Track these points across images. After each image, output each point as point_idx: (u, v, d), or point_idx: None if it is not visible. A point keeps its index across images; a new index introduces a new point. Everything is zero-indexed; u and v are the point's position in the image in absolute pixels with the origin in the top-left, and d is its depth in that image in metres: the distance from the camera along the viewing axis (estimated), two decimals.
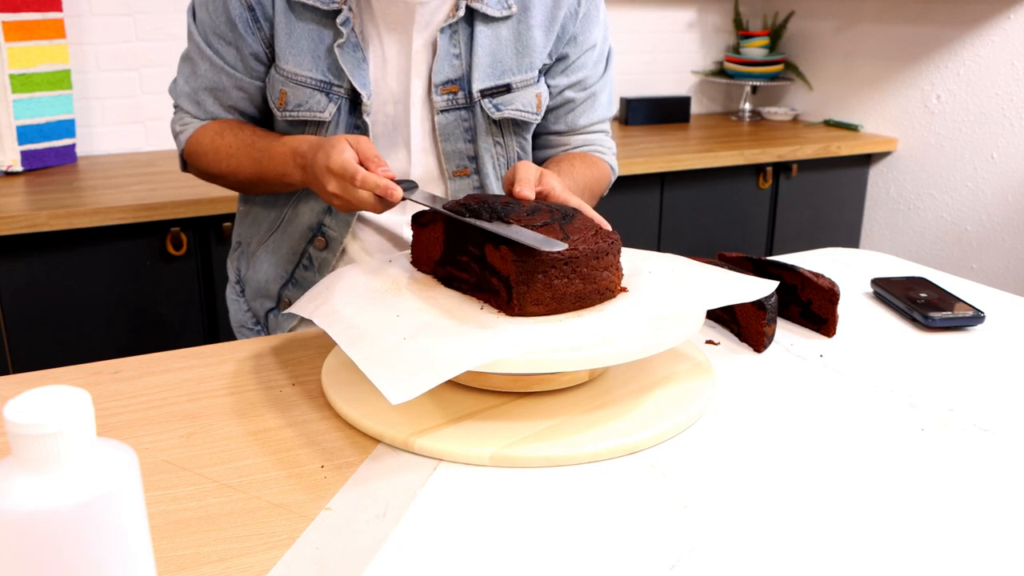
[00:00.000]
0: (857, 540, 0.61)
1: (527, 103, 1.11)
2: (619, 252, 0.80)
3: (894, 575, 0.57)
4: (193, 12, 1.09)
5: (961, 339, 0.97)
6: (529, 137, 1.16)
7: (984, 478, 0.69)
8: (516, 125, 1.13)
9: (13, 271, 1.69)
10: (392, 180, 0.88)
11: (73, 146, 2.10)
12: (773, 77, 2.90)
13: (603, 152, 1.22)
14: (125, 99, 2.23)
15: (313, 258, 1.14)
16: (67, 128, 2.07)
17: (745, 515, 0.64)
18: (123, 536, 0.42)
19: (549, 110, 1.17)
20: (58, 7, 1.99)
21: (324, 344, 0.94)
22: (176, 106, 1.14)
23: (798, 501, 0.66)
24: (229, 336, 1.92)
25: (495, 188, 1.14)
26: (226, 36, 1.05)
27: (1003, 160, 2.37)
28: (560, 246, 0.73)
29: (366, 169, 0.89)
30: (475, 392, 0.80)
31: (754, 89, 3.01)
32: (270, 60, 1.07)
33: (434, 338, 0.70)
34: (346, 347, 0.72)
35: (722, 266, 0.95)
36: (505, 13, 1.06)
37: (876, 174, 2.72)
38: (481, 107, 1.09)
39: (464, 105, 1.08)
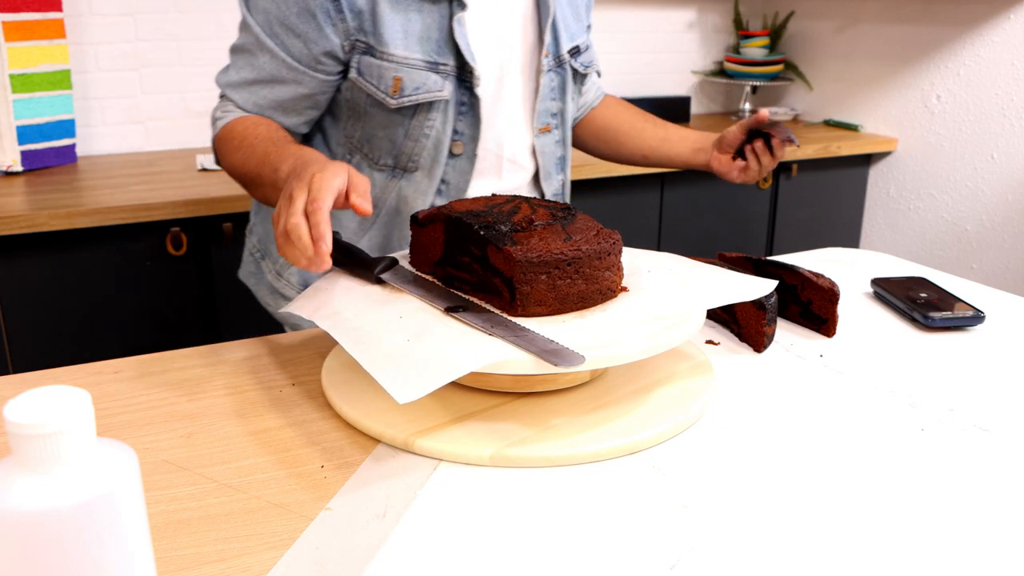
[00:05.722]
0: (857, 540, 0.61)
1: (594, 59, 1.26)
2: (620, 252, 0.80)
3: (894, 575, 0.57)
4: (247, 2, 1.05)
5: (961, 339, 0.97)
6: None
7: (984, 478, 0.69)
8: (582, 81, 1.25)
9: (13, 271, 1.69)
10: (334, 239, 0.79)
11: (73, 146, 2.10)
12: (773, 77, 2.90)
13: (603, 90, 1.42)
14: (125, 99, 2.23)
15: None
16: (67, 128, 2.07)
17: (745, 515, 0.64)
18: (123, 536, 0.42)
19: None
20: (58, 7, 1.98)
21: (324, 344, 0.94)
22: (222, 95, 1.10)
23: (798, 501, 0.66)
24: (229, 336, 1.92)
25: (568, 140, 1.26)
26: (295, 28, 1.02)
27: (1003, 160, 2.37)
28: (578, 360, 0.67)
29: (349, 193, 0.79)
30: (475, 392, 0.80)
31: (754, 89, 3.01)
32: (346, 54, 1.04)
33: (438, 339, 0.70)
34: (350, 348, 0.72)
35: (722, 266, 0.95)
36: None
37: (876, 174, 2.72)
38: (571, 65, 1.20)
39: (553, 66, 1.18)
